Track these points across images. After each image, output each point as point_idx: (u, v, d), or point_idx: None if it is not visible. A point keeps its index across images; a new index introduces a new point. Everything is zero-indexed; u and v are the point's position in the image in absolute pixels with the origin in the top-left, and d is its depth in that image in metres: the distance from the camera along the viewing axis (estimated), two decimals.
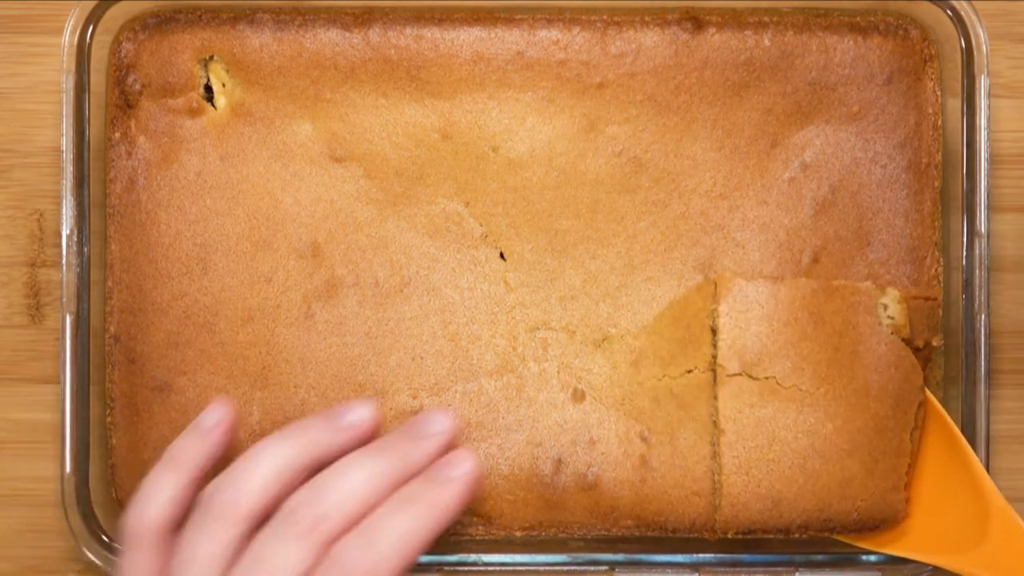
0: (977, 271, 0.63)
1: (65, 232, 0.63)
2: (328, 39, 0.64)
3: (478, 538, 0.64)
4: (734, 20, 0.64)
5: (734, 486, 0.60)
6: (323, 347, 0.63)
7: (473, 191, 0.63)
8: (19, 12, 0.68)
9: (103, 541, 0.63)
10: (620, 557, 0.62)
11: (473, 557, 0.64)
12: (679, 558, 0.63)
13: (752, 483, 0.59)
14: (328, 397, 0.63)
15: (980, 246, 0.62)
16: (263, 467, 0.55)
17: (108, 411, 0.64)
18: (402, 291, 0.63)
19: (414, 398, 0.63)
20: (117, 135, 0.64)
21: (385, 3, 0.64)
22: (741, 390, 0.58)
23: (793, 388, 0.58)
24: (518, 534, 0.63)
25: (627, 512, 0.62)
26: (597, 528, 0.63)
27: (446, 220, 0.63)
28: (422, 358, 0.63)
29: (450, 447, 0.57)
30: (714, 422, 0.59)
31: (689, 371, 0.61)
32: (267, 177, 0.64)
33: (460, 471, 0.56)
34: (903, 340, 0.60)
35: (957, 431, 0.60)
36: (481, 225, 0.63)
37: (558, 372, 0.63)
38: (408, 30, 0.64)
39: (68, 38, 0.63)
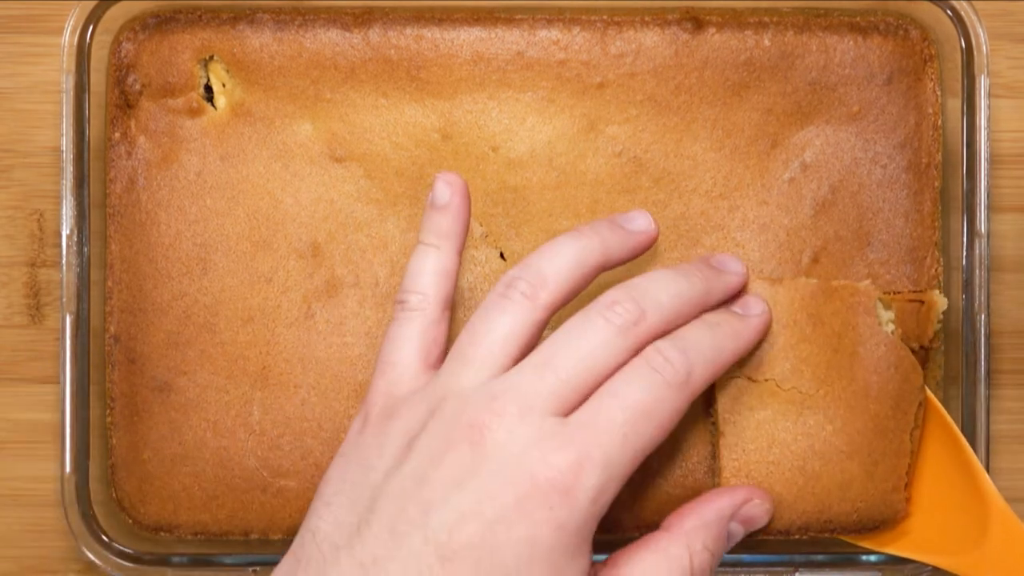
0: (977, 271, 0.63)
1: (65, 232, 0.63)
2: (328, 39, 0.64)
3: None
4: (734, 20, 0.64)
5: None
6: (323, 347, 0.63)
7: (473, 191, 0.63)
8: (19, 12, 0.68)
9: (103, 541, 0.63)
10: None
11: None
12: None
13: (752, 485, 0.58)
14: (328, 397, 0.63)
15: (980, 246, 0.62)
16: (561, 257, 0.55)
17: (108, 411, 0.64)
18: None
19: None
20: (117, 135, 0.64)
21: (385, 3, 0.64)
22: (740, 392, 0.58)
23: (792, 390, 0.58)
24: None
25: (626, 511, 0.62)
26: (597, 529, 0.63)
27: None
28: None
29: (744, 289, 0.58)
30: (713, 423, 0.59)
31: None
32: (267, 177, 0.64)
33: (756, 311, 0.57)
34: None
35: (958, 432, 0.60)
36: (481, 225, 0.64)
37: None
38: (408, 30, 0.64)
39: (68, 38, 0.63)
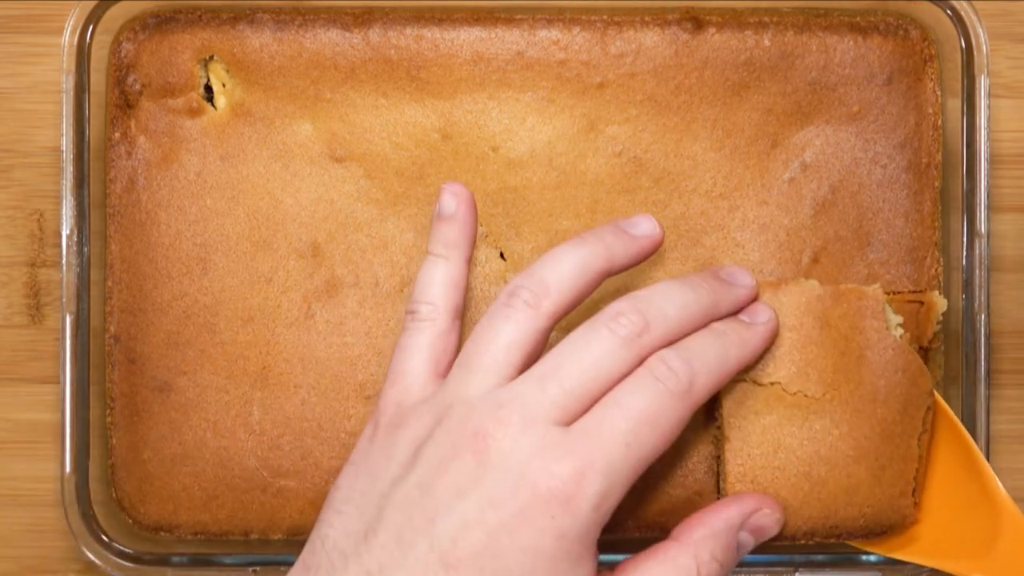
0: (977, 271, 0.63)
1: (65, 232, 0.63)
2: (328, 39, 0.64)
3: None
4: (734, 20, 0.64)
5: None
6: (323, 347, 0.63)
7: (473, 191, 0.63)
8: (19, 12, 0.68)
9: (103, 541, 0.63)
10: (620, 558, 0.62)
11: None
12: None
13: (757, 491, 0.58)
14: (328, 397, 0.63)
15: (980, 246, 0.62)
16: (564, 265, 0.55)
17: (108, 411, 0.64)
18: (402, 291, 0.63)
19: None
20: (117, 135, 0.64)
21: (385, 3, 0.64)
22: (746, 396, 0.58)
23: (799, 394, 0.57)
24: None
25: (627, 512, 0.62)
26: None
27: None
28: None
29: (752, 302, 0.58)
30: (718, 428, 0.59)
31: None
32: (267, 177, 0.64)
33: (763, 318, 0.57)
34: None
35: (968, 436, 0.59)
36: (481, 225, 0.64)
37: None
38: (408, 30, 0.64)
39: (68, 38, 0.63)
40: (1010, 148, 0.68)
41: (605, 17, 0.64)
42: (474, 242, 0.58)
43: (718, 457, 0.60)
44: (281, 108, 0.64)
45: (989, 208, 0.63)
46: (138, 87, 0.64)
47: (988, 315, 0.62)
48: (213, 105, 0.64)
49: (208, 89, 0.64)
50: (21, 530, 0.67)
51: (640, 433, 0.52)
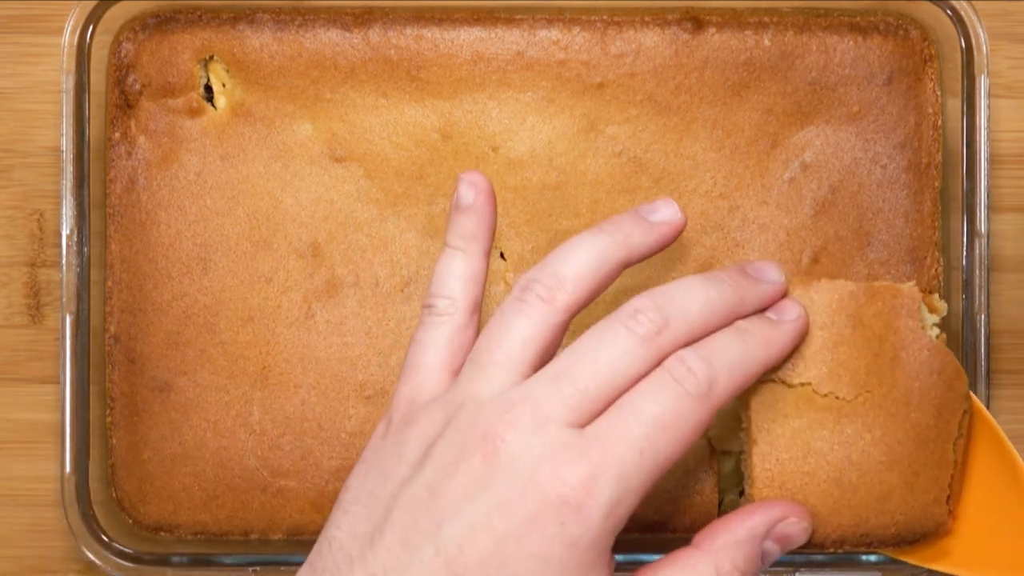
0: (977, 271, 0.62)
1: (65, 232, 0.63)
2: (328, 39, 0.64)
3: None
4: (734, 20, 0.64)
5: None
6: (323, 347, 0.63)
7: None
8: (19, 12, 0.68)
9: (103, 541, 0.63)
10: (620, 557, 0.62)
11: None
12: None
13: (785, 497, 0.55)
14: (328, 397, 0.63)
15: (980, 246, 0.62)
16: (579, 256, 0.53)
17: (108, 411, 0.64)
18: (402, 291, 0.63)
19: None
20: (117, 135, 0.64)
21: (385, 3, 0.64)
22: (775, 398, 0.55)
23: (830, 396, 0.55)
24: None
25: None
26: None
27: (447, 220, 0.63)
28: None
29: (781, 299, 0.55)
30: (744, 430, 0.56)
31: None
32: (267, 177, 0.64)
33: (791, 316, 0.54)
34: None
35: (1007, 442, 0.57)
36: None
37: None
38: (408, 30, 0.64)
39: (68, 38, 0.63)
40: (1010, 148, 0.68)
41: (605, 17, 0.64)
42: (493, 234, 0.56)
43: (742, 460, 0.57)
44: (281, 108, 0.64)
45: (989, 208, 0.63)
46: (138, 87, 0.64)
47: (988, 315, 0.62)
48: (213, 105, 0.64)
49: (208, 89, 0.64)
50: (21, 530, 0.67)
51: (655, 438, 0.49)
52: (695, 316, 0.52)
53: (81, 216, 0.63)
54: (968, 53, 0.63)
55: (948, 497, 0.56)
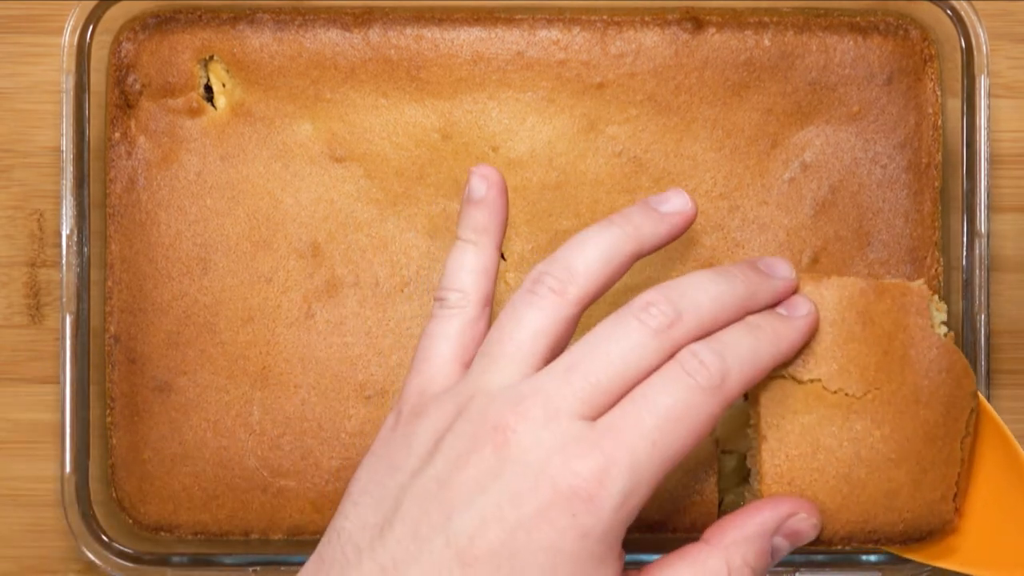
0: (977, 271, 0.63)
1: (65, 232, 0.63)
2: (328, 39, 0.64)
3: None
4: (734, 20, 0.64)
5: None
6: (323, 347, 0.63)
7: None
8: (19, 12, 0.68)
9: (103, 541, 0.63)
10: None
11: None
12: None
13: (794, 493, 0.55)
14: (328, 397, 0.63)
15: (980, 246, 0.62)
16: (590, 249, 0.53)
17: (108, 411, 0.64)
18: (402, 291, 0.63)
19: None
20: (117, 135, 0.64)
21: (385, 3, 0.64)
22: (785, 394, 0.55)
23: (839, 392, 0.55)
24: None
25: None
26: None
27: (446, 220, 0.63)
28: None
29: (791, 295, 0.56)
30: (752, 426, 0.56)
31: None
32: (267, 177, 0.64)
33: (802, 312, 0.54)
34: None
35: (1014, 441, 0.57)
36: None
37: None
38: (408, 30, 0.64)
39: (68, 38, 0.63)
40: (1010, 148, 0.68)
41: (605, 17, 0.64)
42: (505, 227, 0.56)
43: (751, 456, 0.57)
44: (281, 108, 0.64)
45: (989, 208, 0.63)
46: (138, 87, 0.64)
47: (988, 315, 0.62)
48: (213, 105, 0.64)
49: (208, 89, 0.64)
50: (21, 530, 0.67)
51: (667, 430, 0.49)
52: (706, 310, 0.52)
53: (81, 216, 0.63)
54: (968, 53, 0.63)
55: (955, 495, 0.56)
